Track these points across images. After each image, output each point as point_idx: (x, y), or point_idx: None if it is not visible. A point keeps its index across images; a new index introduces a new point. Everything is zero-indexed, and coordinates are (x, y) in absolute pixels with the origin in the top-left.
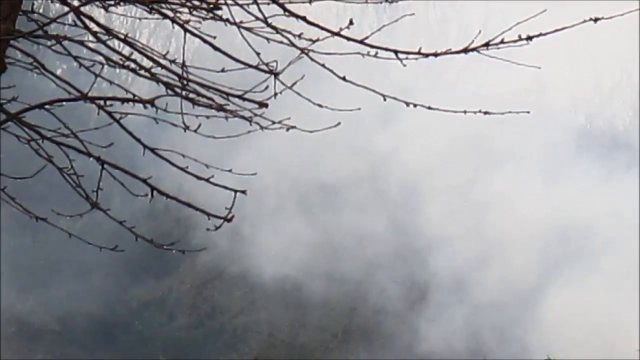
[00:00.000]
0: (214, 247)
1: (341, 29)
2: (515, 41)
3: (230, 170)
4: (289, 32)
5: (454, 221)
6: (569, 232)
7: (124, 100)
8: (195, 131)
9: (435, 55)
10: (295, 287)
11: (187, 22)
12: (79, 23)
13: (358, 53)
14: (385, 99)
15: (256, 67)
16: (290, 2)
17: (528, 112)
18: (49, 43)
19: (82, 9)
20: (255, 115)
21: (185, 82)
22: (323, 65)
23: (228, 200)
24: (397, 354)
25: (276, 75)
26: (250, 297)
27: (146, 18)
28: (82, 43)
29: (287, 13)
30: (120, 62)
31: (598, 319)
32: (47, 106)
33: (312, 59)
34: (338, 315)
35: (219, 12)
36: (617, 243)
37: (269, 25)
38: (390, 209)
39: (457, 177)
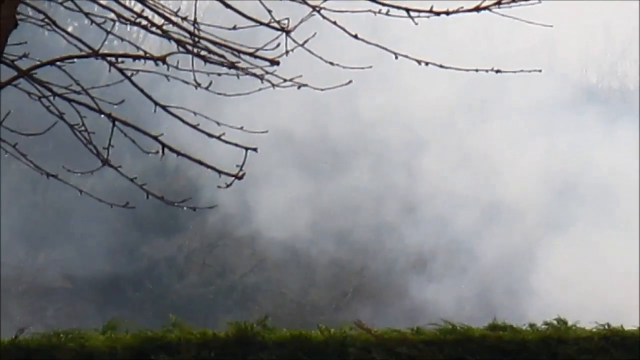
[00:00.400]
0: (224, 205)
1: None
2: None
3: (241, 128)
4: None
5: (461, 180)
6: (574, 187)
7: (135, 57)
8: (206, 88)
9: (447, 13)
10: (305, 246)
11: None
12: None
13: (369, 11)
14: (397, 57)
15: (268, 25)
16: None
17: (539, 71)
18: (60, 0)
19: None
20: (267, 72)
21: (196, 39)
22: (334, 23)
23: (238, 158)
24: (405, 313)
25: (288, 32)
26: (260, 256)
27: None
28: (93, 0)
29: None
30: (132, 19)
31: (599, 276)
32: (58, 63)
33: (323, 17)
34: (348, 275)
35: None
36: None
37: None
38: (398, 169)
39: (465, 135)
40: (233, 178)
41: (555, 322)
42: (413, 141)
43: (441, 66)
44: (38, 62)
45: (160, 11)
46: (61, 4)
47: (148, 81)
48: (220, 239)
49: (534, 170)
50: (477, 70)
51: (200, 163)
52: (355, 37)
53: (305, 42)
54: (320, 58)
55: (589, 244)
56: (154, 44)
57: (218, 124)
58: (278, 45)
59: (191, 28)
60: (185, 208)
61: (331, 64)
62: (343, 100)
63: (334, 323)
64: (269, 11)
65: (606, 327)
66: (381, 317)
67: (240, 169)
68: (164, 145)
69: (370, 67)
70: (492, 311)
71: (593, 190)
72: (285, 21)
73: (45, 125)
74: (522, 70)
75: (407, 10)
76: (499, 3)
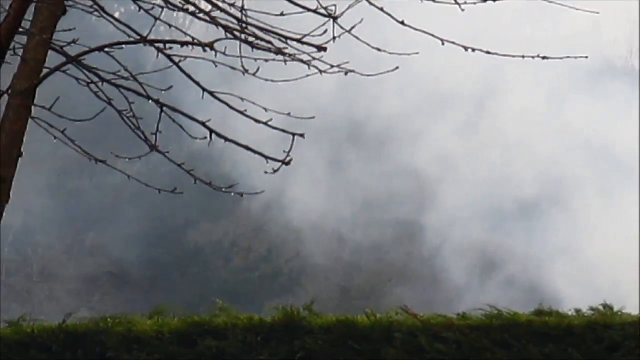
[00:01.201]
0: (269, 191)
1: None
2: None
3: (289, 114)
4: None
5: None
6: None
7: (183, 44)
8: (254, 75)
9: (494, 0)
10: (350, 231)
11: None
12: None
13: None
14: (443, 44)
15: (315, 11)
16: None
17: (586, 57)
18: None
19: None
20: (314, 59)
21: (244, 25)
22: (382, 10)
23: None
24: (450, 297)
25: (335, 19)
26: (304, 241)
27: None
28: None
29: None
30: (180, 6)
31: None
32: (106, 49)
33: (370, 3)
34: (392, 259)
35: None
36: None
37: None
38: (438, 151)
39: (507, 119)
40: (280, 164)
41: (601, 308)
42: (457, 128)
43: (488, 52)
44: (87, 49)
45: None
46: None
47: (196, 67)
48: (266, 224)
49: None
50: (523, 57)
51: (248, 149)
52: (402, 23)
53: (353, 28)
54: (368, 44)
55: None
56: (201, 30)
57: (265, 110)
58: (325, 31)
59: (239, 14)
60: (232, 194)
61: (378, 50)
62: (387, 87)
63: (379, 308)
64: None
65: None
66: (425, 302)
67: (288, 155)
68: (211, 131)
69: (417, 53)
70: (538, 297)
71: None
72: (333, 7)
73: (93, 111)
74: (568, 57)
75: None
76: None
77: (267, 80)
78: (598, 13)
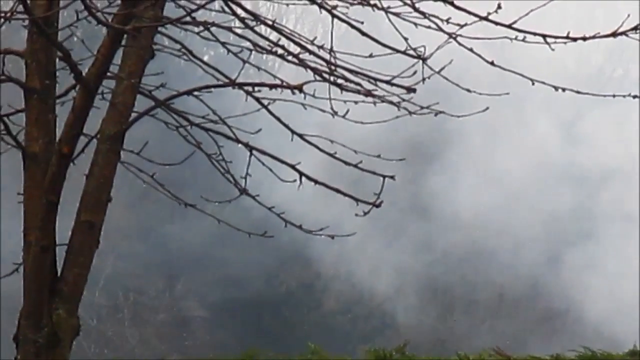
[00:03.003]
0: (360, 233)
1: (489, 14)
2: None
3: (378, 156)
4: (437, 17)
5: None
6: None
7: (272, 86)
8: (343, 117)
9: (584, 39)
10: (442, 272)
11: (335, 7)
12: (226, 9)
13: (506, 37)
14: (533, 84)
15: (404, 52)
16: None
17: None
18: (196, 29)
19: None
20: (404, 100)
21: (333, 67)
22: (471, 50)
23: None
24: (549, 337)
25: (424, 60)
26: (397, 283)
27: (293, 3)
28: (229, 29)
29: None
30: (268, 48)
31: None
32: (195, 92)
33: (459, 44)
34: (486, 300)
35: None
36: None
37: (416, 10)
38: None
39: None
40: (371, 206)
41: None
42: (549, 164)
43: (578, 92)
44: (175, 92)
45: (297, 40)
46: (198, 33)
47: (285, 110)
48: (358, 266)
49: None
50: (614, 96)
51: (338, 191)
52: (492, 63)
53: (442, 69)
54: (457, 85)
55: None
56: (290, 73)
57: (355, 152)
58: (414, 72)
59: (327, 56)
60: (322, 236)
61: (468, 91)
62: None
63: (472, 349)
64: (405, 39)
65: None
66: (521, 342)
67: (378, 197)
68: (301, 174)
69: (508, 93)
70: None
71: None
72: (422, 49)
73: (182, 155)
74: None
75: (544, 36)
76: (636, 28)
77: (356, 122)
78: None
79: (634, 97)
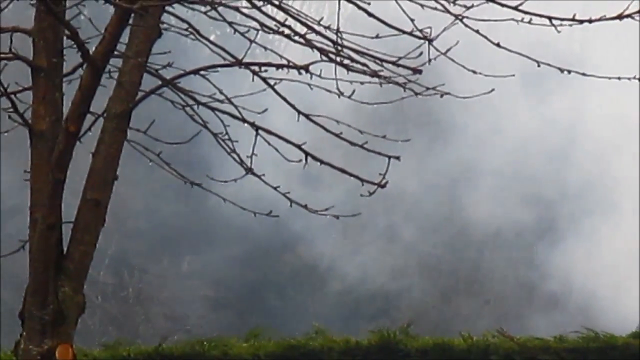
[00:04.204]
0: (365, 213)
1: None
2: None
3: (384, 137)
4: None
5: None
6: None
7: (278, 66)
8: (349, 97)
9: (590, 21)
10: (447, 253)
11: None
12: None
13: (512, 19)
14: (539, 65)
15: (410, 34)
16: None
17: None
18: (203, 9)
19: None
20: (409, 81)
21: (339, 48)
22: (477, 32)
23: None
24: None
25: (430, 41)
26: (402, 263)
27: None
28: (236, 9)
29: None
30: (275, 28)
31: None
32: (202, 72)
33: (466, 25)
34: (490, 282)
35: None
36: None
37: None
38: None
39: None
40: (376, 186)
41: None
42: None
43: (583, 74)
44: (182, 71)
45: (303, 20)
46: (205, 13)
47: (291, 90)
48: (362, 247)
49: None
50: (619, 78)
51: (343, 171)
52: (498, 45)
53: (448, 50)
54: (463, 66)
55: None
56: (296, 53)
57: (361, 132)
58: (421, 54)
59: (334, 37)
60: (327, 216)
61: (474, 72)
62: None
63: (476, 330)
64: (412, 20)
65: None
66: (525, 325)
67: (383, 178)
68: (307, 154)
69: (513, 75)
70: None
71: None
72: (428, 30)
73: (189, 134)
74: None
75: (550, 18)
76: None
77: (362, 102)
78: None
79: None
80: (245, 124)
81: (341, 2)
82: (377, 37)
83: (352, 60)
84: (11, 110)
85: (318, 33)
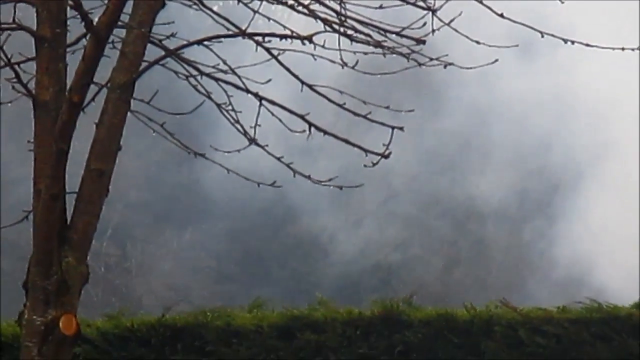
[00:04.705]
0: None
1: None
2: None
3: (387, 107)
4: None
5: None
6: None
7: (282, 37)
8: (353, 67)
9: None
10: (448, 224)
11: None
12: None
13: None
14: (543, 36)
15: (414, 4)
16: None
17: None
18: None
19: None
20: (413, 52)
21: (343, 18)
22: (480, 2)
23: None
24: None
25: (434, 12)
26: (405, 234)
27: None
28: None
29: None
30: None
31: None
32: (205, 42)
33: None
34: (492, 253)
35: None
36: None
37: None
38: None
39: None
40: (379, 157)
41: None
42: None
43: (587, 45)
44: (185, 42)
45: None
46: None
47: (295, 60)
48: (365, 218)
49: None
50: (622, 49)
51: (346, 141)
52: (502, 16)
53: (452, 20)
54: (467, 37)
55: None
56: (299, 23)
57: (364, 102)
58: (424, 24)
59: (337, 7)
60: (331, 187)
61: (477, 42)
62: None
63: (479, 301)
64: None
65: None
66: (525, 295)
67: (387, 148)
68: (310, 124)
69: (517, 45)
70: None
71: None
72: (432, 0)
73: (192, 105)
74: None
75: None
76: None
77: (365, 72)
78: None
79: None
80: (249, 95)
81: None
82: (380, 7)
83: (356, 30)
84: (15, 80)
85: (321, 3)
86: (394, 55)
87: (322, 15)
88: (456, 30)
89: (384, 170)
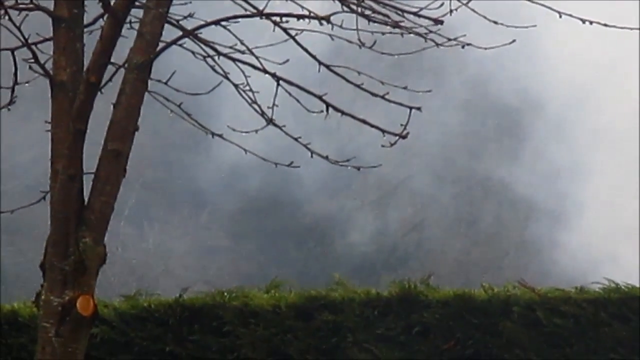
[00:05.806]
0: (385, 165)
1: None
2: None
3: (405, 88)
4: None
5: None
6: None
7: (299, 17)
8: (370, 48)
9: None
10: (467, 204)
11: None
12: None
13: None
14: (560, 16)
15: None
16: None
17: None
18: None
19: None
20: (431, 32)
21: None
22: None
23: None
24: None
25: None
26: (422, 214)
27: None
28: None
29: None
30: None
31: None
32: (223, 22)
33: None
34: (510, 232)
35: None
36: None
37: None
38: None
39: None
40: (397, 137)
41: None
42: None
43: (605, 25)
44: (203, 22)
45: None
46: None
47: (313, 40)
48: (382, 198)
49: None
50: (622, 28)
51: (364, 122)
52: None
53: (469, 1)
54: (484, 17)
55: None
56: (317, 4)
57: (382, 83)
58: (442, 4)
59: None
60: (349, 167)
61: (495, 22)
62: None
63: (496, 281)
64: None
65: None
66: (544, 276)
67: (404, 128)
68: (327, 105)
69: (535, 26)
70: None
71: None
72: None
73: (209, 85)
74: None
75: None
76: None
77: (383, 53)
78: None
79: None
80: (266, 75)
81: None
82: None
83: (374, 11)
84: (32, 60)
85: None
86: (411, 35)
87: None
88: (474, 11)
89: (401, 151)
